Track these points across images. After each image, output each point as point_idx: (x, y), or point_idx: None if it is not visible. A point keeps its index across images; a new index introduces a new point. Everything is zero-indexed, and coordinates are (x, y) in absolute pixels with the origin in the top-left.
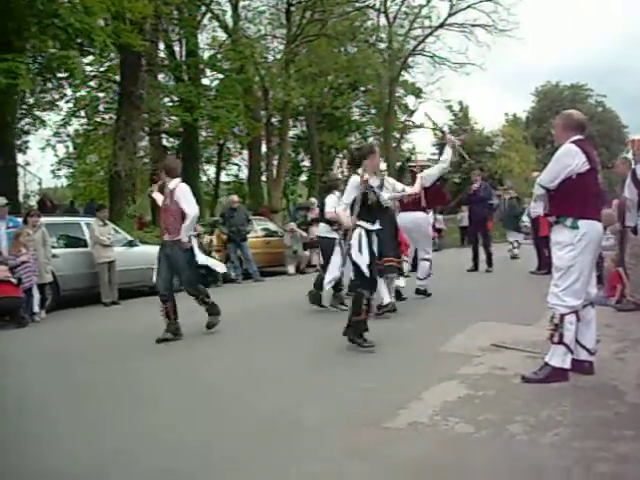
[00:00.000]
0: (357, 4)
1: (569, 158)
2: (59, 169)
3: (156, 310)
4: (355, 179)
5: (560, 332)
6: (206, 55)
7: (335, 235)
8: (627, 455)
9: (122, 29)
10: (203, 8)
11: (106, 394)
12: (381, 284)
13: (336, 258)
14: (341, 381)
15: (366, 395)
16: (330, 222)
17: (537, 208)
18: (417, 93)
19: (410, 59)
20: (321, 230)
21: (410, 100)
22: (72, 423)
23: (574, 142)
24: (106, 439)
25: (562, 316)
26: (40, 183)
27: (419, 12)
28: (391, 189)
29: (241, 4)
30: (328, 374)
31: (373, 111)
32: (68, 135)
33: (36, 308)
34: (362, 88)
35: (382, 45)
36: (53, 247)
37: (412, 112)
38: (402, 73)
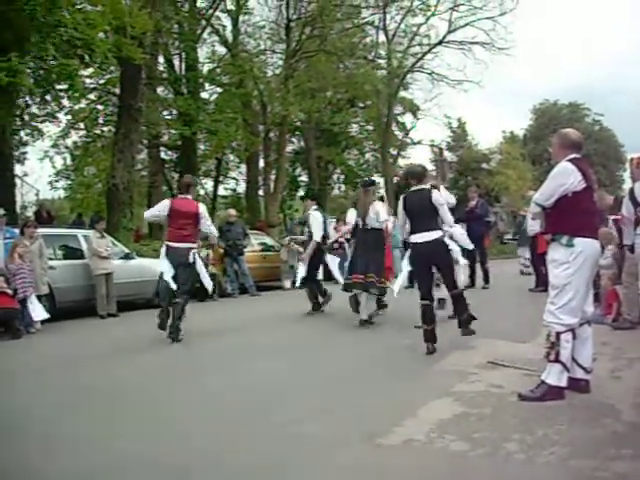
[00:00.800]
0: (356, 21)
1: (565, 176)
2: (57, 180)
3: (152, 322)
4: None
5: (556, 350)
6: (205, 69)
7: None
8: (625, 474)
9: (123, 42)
10: (203, 22)
11: (102, 400)
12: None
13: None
14: (335, 397)
15: (361, 411)
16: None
17: (535, 226)
18: (414, 110)
19: (409, 76)
20: None
21: (408, 117)
22: (72, 426)
23: (570, 160)
24: (107, 441)
25: (558, 334)
26: (37, 194)
27: (418, 30)
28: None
29: (241, 19)
30: (322, 389)
31: (371, 127)
32: (66, 147)
33: (38, 317)
34: (360, 104)
35: (381, 62)
36: (50, 259)
37: (408, 131)
38: (400, 90)
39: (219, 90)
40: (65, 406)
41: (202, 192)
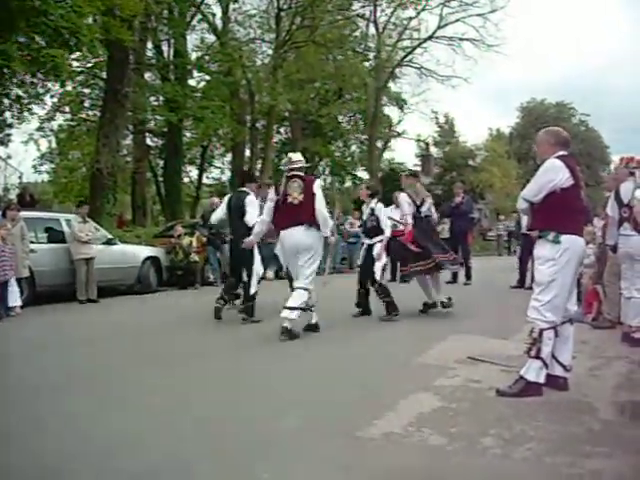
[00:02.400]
0: (347, 13)
1: (553, 172)
2: (41, 164)
3: (130, 308)
4: None
5: (538, 347)
6: (194, 56)
7: None
8: (600, 471)
9: (112, 24)
10: (193, 9)
11: (84, 384)
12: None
13: None
14: (314, 389)
15: (339, 404)
16: None
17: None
18: (401, 105)
19: (397, 69)
20: None
21: (394, 112)
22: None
23: (559, 157)
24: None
25: (541, 331)
26: (21, 177)
27: (408, 24)
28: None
29: (231, 7)
30: (301, 382)
31: (358, 119)
32: (51, 130)
33: (14, 302)
34: (348, 96)
35: (370, 54)
36: (31, 242)
37: (392, 125)
38: (388, 83)
39: (207, 78)
40: (42, 388)
41: (186, 180)
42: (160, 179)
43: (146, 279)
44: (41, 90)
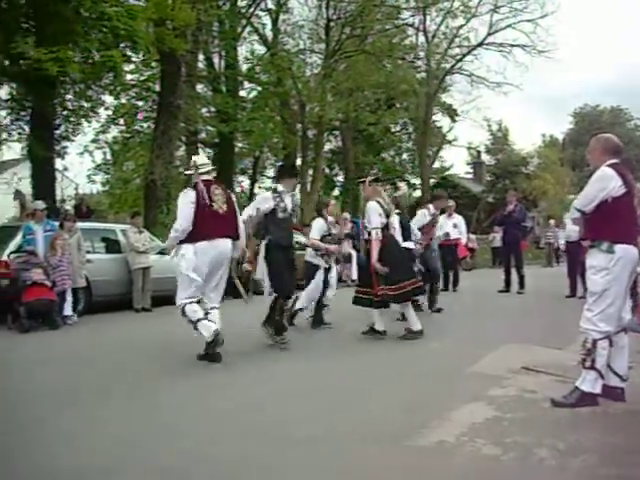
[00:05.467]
0: (396, 22)
1: (604, 181)
2: (95, 174)
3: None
4: None
5: (592, 357)
6: (245, 67)
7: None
8: None
9: (165, 34)
10: (243, 21)
11: (123, 396)
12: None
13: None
14: (367, 398)
15: (392, 412)
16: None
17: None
18: (452, 115)
19: (447, 77)
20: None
21: (445, 121)
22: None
23: (610, 165)
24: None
25: (595, 341)
26: (77, 188)
27: (458, 32)
28: None
29: (281, 18)
30: (354, 390)
31: (409, 128)
32: (106, 142)
33: (68, 311)
34: (398, 105)
35: (420, 63)
36: (88, 252)
37: (444, 135)
38: (439, 91)
39: (258, 88)
40: (93, 393)
41: (238, 190)
42: None
43: None
44: (96, 103)
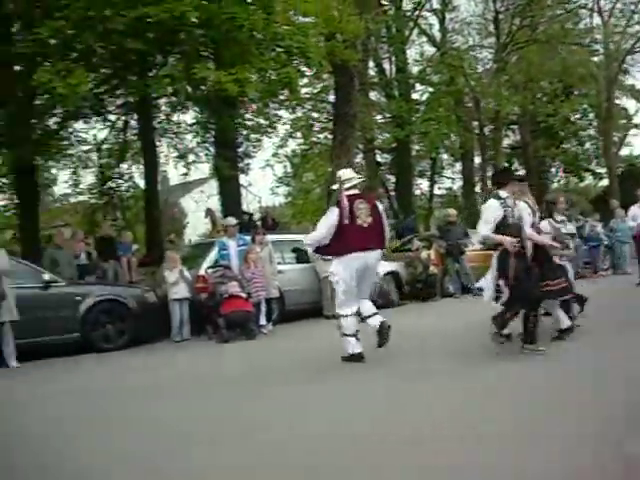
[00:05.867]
0: (567, 6)
1: None
2: (277, 187)
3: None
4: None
5: None
6: (415, 70)
7: None
8: None
9: (336, 47)
10: (410, 24)
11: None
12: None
13: None
14: (583, 401)
15: (606, 418)
16: None
17: None
18: (638, 97)
19: (629, 58)
20: None
21: (631, 103)
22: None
23: None
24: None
25: None
26: (260, 201)
27: (636, 7)
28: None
29: (448, 17)
30: (575, 394)
31: (590, 115)
32: (285, 155)
33: (263, 321)
34: (576, 92)
35: (597, 46)
36: (279, 263)
37: (630, 118)
38: (620, 74)
39: (430, 89)
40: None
41: (417, 192)
42: (392, 194)
43: (387, 294)
44: (274, 119)
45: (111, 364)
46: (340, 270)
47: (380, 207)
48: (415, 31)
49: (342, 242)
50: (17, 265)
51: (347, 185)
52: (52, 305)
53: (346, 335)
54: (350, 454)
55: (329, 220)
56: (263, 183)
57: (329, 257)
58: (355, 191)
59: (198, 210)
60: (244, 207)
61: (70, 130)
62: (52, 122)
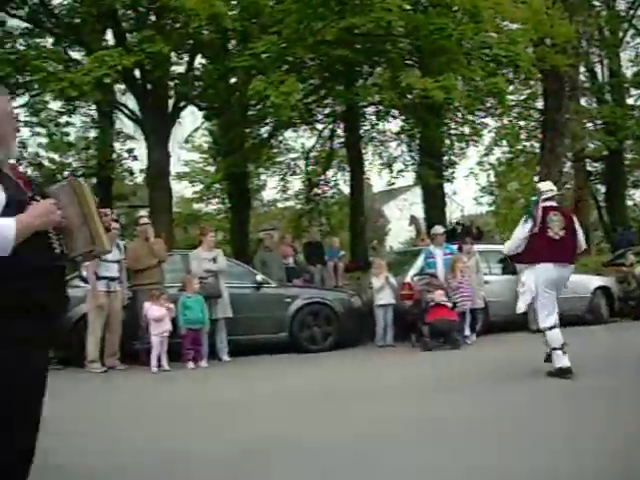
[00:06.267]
0: None
1: None
2: (481, 196)
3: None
4: None
5: None
6: (629, 73)
7: None
8: None
9: (545, 52)
10: (625, 25)
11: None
12: None
13: None
14: None
15: None
16: None
17: None
18: None
19: None
20: None
21: None
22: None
23: None
24: None
25: None
26: (462, 210)
27: None
28: None
29: None
30: None
31: None
32: (490, 164)
33: (467, 331)
34: None
35: None
36: (484, 274)
37: None
38: None
39: None
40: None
41: (630, 203)
42: (602, 205)
43: (597, 309)
44: (479, 127)
45: (319, 365)
46: (531, 280)
47: (576, 222)
48: (630, 32)
49: (532, 252)
50: (233, 266)
51: (544, 197)
52: (263, 305)
53: (556, 349)
54: None
55: (521, 230)
56: (467, 192)
57: (524, 265)
58: (552, 203)
59: (402, 217)
60: (447, 216)
61: (280, 139)
62: (264, 131)
